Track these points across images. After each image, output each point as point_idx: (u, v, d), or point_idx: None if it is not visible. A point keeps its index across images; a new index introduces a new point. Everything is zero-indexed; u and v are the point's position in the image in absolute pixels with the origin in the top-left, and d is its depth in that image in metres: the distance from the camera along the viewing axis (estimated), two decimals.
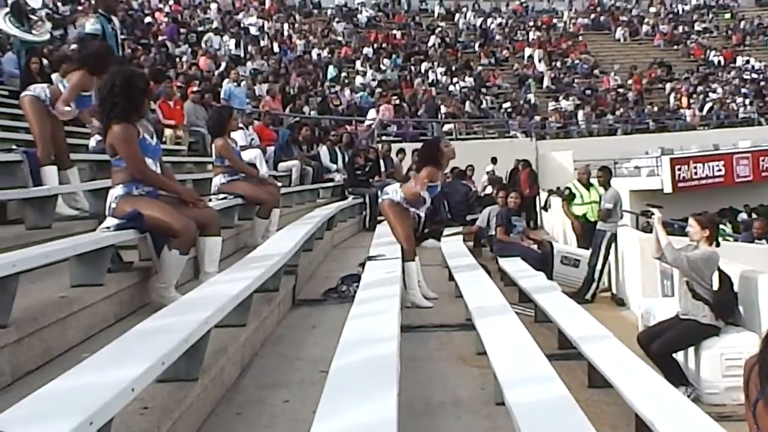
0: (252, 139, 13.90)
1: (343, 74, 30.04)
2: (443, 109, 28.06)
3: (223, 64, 23.97)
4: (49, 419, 2.26)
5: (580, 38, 40.45)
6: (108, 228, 5.09)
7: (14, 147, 7.40)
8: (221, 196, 8.10)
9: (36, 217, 6.02)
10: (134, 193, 5.27)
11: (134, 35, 23.34)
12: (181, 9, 31.96)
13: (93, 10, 12.63)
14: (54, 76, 10.34)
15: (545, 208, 19.39)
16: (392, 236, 8.02)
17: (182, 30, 28.13)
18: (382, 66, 32.41)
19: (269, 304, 5.79)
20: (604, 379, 5.21)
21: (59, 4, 23.84)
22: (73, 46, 11.06)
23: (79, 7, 23.64)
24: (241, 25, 31.88)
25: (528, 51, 37.55)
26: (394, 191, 7.77)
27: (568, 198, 13.71)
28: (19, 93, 11.44)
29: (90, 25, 9.79)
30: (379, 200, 7.96)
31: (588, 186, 13.80)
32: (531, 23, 41.38)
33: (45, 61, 12.30)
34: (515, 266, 10.08)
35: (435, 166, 7.63)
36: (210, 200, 7.33)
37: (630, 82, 35.79)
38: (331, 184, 15.63)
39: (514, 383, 4.12)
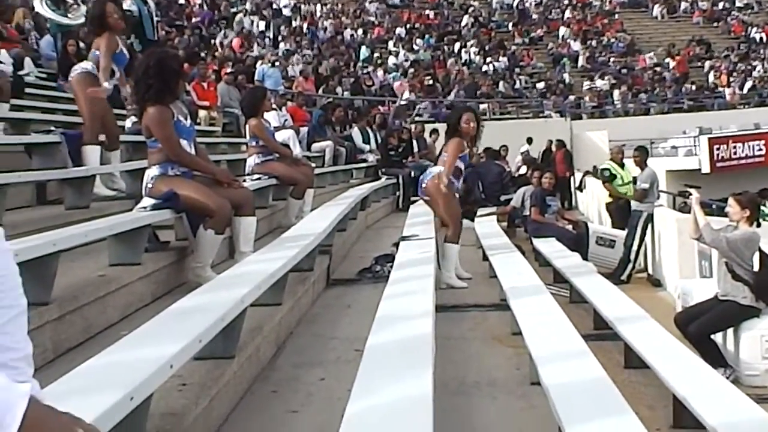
0: (285, 120, 13.95)
1: (376, 55, 29.96)
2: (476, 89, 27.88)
3: (256, 46, 24.02)
4: (91, 394, 2.30)
5: (616, 16, 39.86)
6: (144, 208, 5.16)
7: (53, 128, 7.50)
8: (255, 176, 8.13)
9: (74, 197, 6.11)
10: (170, 174, 5.32)
11: (168, 17, 23.45)
12: None
13: None
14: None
15: (580, 188, 19.25)
16: (427, 216, 8.02)
17: (215, 12, 28.23)
18: (414, 46, 32.29)
19: (304, 284, 5.82)
20: (640, 360, 5.17)
21: None
22: None
23: None
24: (274, 6, 31.90)
25: (563, 30, 37.15)
26: (438, 171, 7.74)
27: (609, 179, 13.57)
28: (57, 75, 11.68)
29: (126, 5, 9.87)
30: (424, 183, 7.88)
31: (622, 166, 13.68)
32: (566, 2, 40.86)
33: (82, 44, 12.41)
34: (550, 247, 10.03)
35: (458, 137, 7.62)
36: (244, 180, 7.37)
37: (668, 60, 35.26)
38: (364, 164, 15.63)
39: (549, 363, 4.11)
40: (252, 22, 28.50)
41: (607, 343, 6.02)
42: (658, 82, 33.07)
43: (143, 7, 9.67)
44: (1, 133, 7.88)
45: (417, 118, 22.10)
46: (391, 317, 4.13)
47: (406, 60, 30.07)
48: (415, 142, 16.48)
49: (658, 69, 34.39)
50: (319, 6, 34.56)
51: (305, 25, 30.76)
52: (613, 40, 36.86)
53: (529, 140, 21.85)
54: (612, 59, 35.22)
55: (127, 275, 4.52)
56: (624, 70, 33.93)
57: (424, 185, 7.83)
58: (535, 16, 38.88)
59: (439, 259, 7.34)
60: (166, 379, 2.71)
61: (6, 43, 12.18)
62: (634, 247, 12.00)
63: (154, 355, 2.71)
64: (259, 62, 19.65)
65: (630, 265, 12.00)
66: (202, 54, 18.73)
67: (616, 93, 31.41)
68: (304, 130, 14.80)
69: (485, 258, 8.76)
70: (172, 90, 5.31)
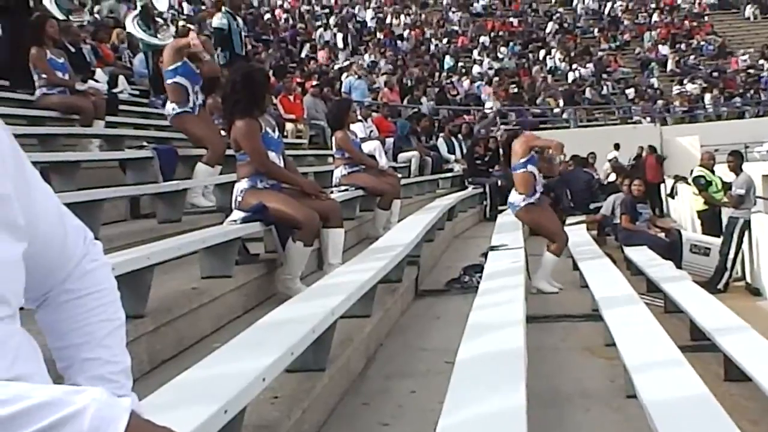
0: (371, 131, 13.99)
1: (460, 64, 29.89)
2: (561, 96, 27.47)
3: (342, 57, 24.24)
4: (186, 407, 2.31)
5: (706, 18, 38.84)
6: (234, 221, 5.22)
7: (145, 144, 7.69)
8: (342, 187, 8.17)
9: (167, 211, 6.23)
10: (258, 187, 5.38)
11: (255, 32, 23.87)
12: (299, 4, 32.48)
13: (216, 8, 12.98)
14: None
15: (671, 195, 18.78)
16: (515, 225, 7.93)
17: (300, 26, 28.63)
18: (499, 54, 32.09)
19: (393, 295, 5.81)
20: (741, 372, 4.97)
21: (184, 4, 24.60)
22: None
23: (203, 7, 24.35)
24: (358, 18, 32.16)
25: (650, 34, 36.37)
26: (515, 198, 7.60)
27: (705, 187, 13.18)
28: (149, 92, 12.00)
29: (217, 20, 10.09)
30: (514, 211, 7.75)
31: (712, 172, 13.30)
32: (653, 5, 40.02)
33: None
34: (642, 255, 9.80)
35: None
36: (331, 192, 7.41)
37: (762, 62, 34.11)
38: (450, 174, 15.57)
39: (645, 375, 3.98)
40: (335, 34, 28.79)
41: (705, 355, 5.80)
42: (752, 84, 32.01)
43: (233, 22, 9.85)
44: (97, 149, 8.12)
45: (503, 127, 21.93)
46: (481, 328, 4.08)
47: (491, 68, 29.90)
48: (501, 151, 16.33)
49: (751, 71, 33.30)
50: (402, 17, 34.68)
51: (389, 37, 30.88)
52: (702, 42, 35.90)
53: (617, 146, 21.42)
54: (702, 62, 34.32)
55: (218, 287, 4.58)
56: (715, 74, 32.96)
57: (516, 212, 7.70)
58: (622, 21, 38.19)
59: (529, 267, 7.23)
60: (259, 391, 2.71)
61: (101, 62, 12.57)
62: (731, 255, 11.63)
63: (246, 367, 2.72)
64: (345, 74, 19.79)
65: (727, 274, 11.63)
66: (289, 67, 19.01)
67: (707, 97, 30.54)
68: (390, 140, 14.84)
69: (575, 267, 8.59)
70: (259, 103, 5.38)
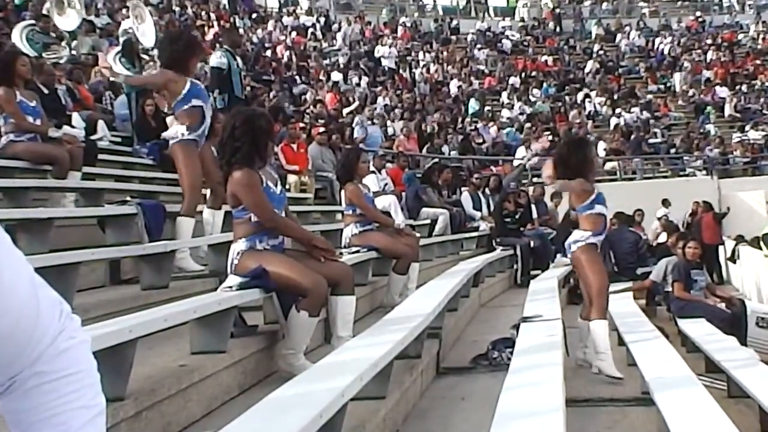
0: (385, 184, 14.08)
1: (487, 108, 30.11)
2: (602, 144, 27.56)
3: (352, 101, 24.48)
4: None
5: None
6: (230, 287, 5.22)
7: (128, 198, 7.74)
8: (353, 248, 8.19)
9: (152, 275, 6.25)
10: (258, 248, 5.40)
11: (254, 71, 24.15)
12: (305, 40, 32.92)
13: (211, 46, 13.17)
14: (169, 119, 10.85)
15: (732, 259, 18.71)
16: (551, 293, 7.88)
17: (305, 64, 28.98)
18: (531, 97, 32.33)
19: (411, 373, 5.77)
20: None
21: None
22: None
23: None
24: (373, 55, 32.54)
25: (706, 74, 36.59)
26: (579, 235, 7.53)
27: None
28: (132, 139, 12.12)
29: (216, 58, 10.23)
30: (572, 248, 7.66)
31: None
32: (709, 41, 40.35)
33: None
34: (699, 329, 9.72)
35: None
36: (341, 254, 7.42)
37: None
38: (475, 233, 15.58)
39: None
40: (346, 75, 29.13)
41: None
42: None
43: (232, 61, 9.99)
44: (73, 204, 8.18)
45: (536, 180, 21.99)
46: (513, 413, 4.05)
47: (522, 113, 30.10)
48: (534, 207, 16.37)
49: None
50: (422, 54, 35.07)
51: (406, 77, 31.19)
52: (767, 83, 36.07)
53: (665, 202, 21.42)
54: (767, 106, 34.41)
55: (211, 364, 4.57)
56: None
57: (572, 251, 7.55)
58: (672, 60, 38.44)
59: (567, 342, 7.16)
60: None
61: (78, 105, 12.69)
62: None
63: None
64: (356, 120, 20.01)
65: None
66: (290, 111, 19.20)
67: None
68: (406, 193, 14.90)
69: (621, 342, 8.54)
70: (261, 153, 5.42)
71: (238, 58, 10.65)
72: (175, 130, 7.36)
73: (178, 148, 7.28)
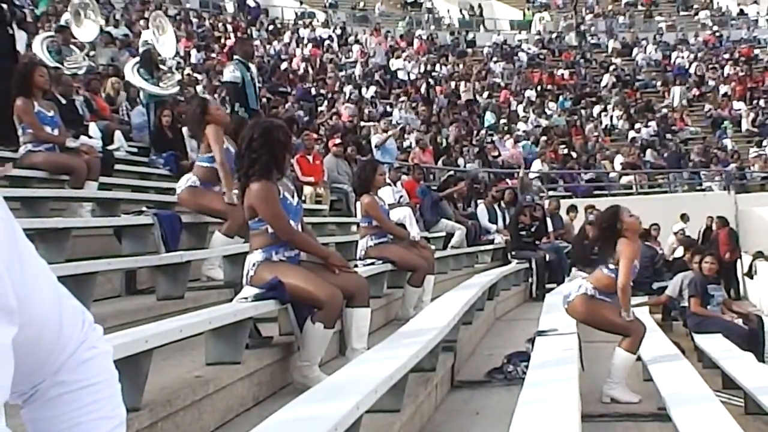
0: (401, 197, 14.06)
1: (503, 121, 30.10)
2: (619, 158, 27.50)
3: (368, 112, 24.52)
4: None
5: None
6: (246, 298, 5.22)
7: (144, 209, 7.76)
8: (368, 261, 8.18)
9: (168, 286, 6.26)
10: (274, 259, 5.40)
11: (270, 83, 24.24)
12: (321, 52, 33.03)
13: (228, 57, 13.20)
14: (185, 130, 10.89)
15: (749, 274, 18.60)
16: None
17: (321, 76, 29.06)
18: (547, 110, 32.30)
19: (425, 386, 5.75)
20: None
21: (192, 51, 25.12)
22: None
23: (212, 54, 24.84)
24: (389, 68, 32.60)
25: (723, 88, 36.48)
26: (578, 287, 7.38)
27: None
28: (149, 150, 12.18)
29: (229, 72, 10.22)
30: (569, 299, 7.40)
31: None
32: (726, 56, 40.26)
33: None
34: (716, 345, 9.66)
35: (627, 238, 7.27)
36: (356, 266, 7.42)
37: None
38: (491, 246, 15.56)
39: None
40: (361, 87, 29.19)
41: None
42: None
43: (246, 73, 9.98)
44: (89, 214, 8.21)
45: (551, 193, 21.96)
46: (528, 427, 4.03)
47: (537, 126, 30.07)
48: (549, 221, 16.33)
49: None
50: (438, 66, 35.10)
51: (423, 89, 31.21)
52: None
53: (684, 217, 21.32)
54: None
55: (226, 376, 4.57)
56: None
57: (569, 301, 7.35)
58: (690, 74, 38.35)
59: (582, 356, 7.12)
60: None
61: (95, 116, 12.76)
62: None
63: None
64: (372, 131, 20.01)
65: None
66: (306, 122, 19.26)
67: None
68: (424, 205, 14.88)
69: (637, 358, 8.50)
70: (279, 164, 5.43)
71: (253, 69, 10.62)
72: (185, 180, 7.79)
73: (187, 198, 7.80)
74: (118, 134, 12.49)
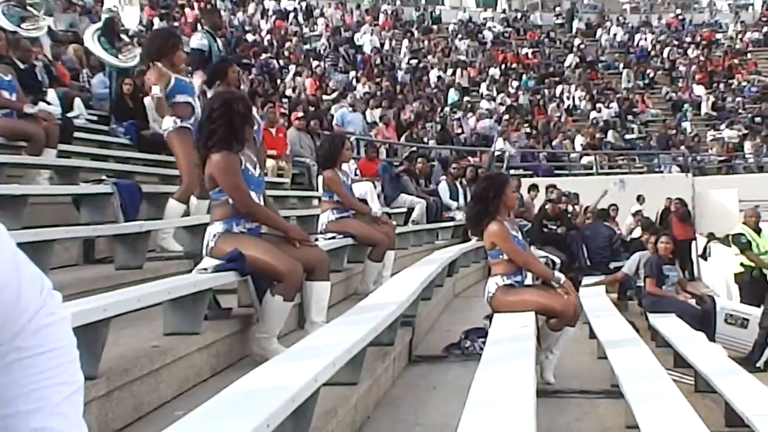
0: (356, 171, 14.07)
1: (467, 98, 30.13)
2: (580, 139, 27.65)
3: (332, 87, 24.43)
4: None
5: (749, 56, 39.32)
6: (205, 269, 5.20)
7: (104, 178, 7.69)
8: (329, 235, 8.18)
9: (126, 255, 6.22)
10: (234, 231, 5.38)
11: (235, 55, 24.05)
12: (285, 24, 32.81)
13: (192, 27, 13.04)
14: (147, 100, 10.77)
15: (704, 256, 18.82)
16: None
17: (286, 48, 28.90)
18: (510, 89, 32.38)
19: (383, 360, 5.78)
20: None
21: (155, 20, 24.83)
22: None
23: (175, 24, 24.58)
24: (354, 42, 32.48)
25: (684, 72, 36.77)
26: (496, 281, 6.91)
27: (747, 246, 13.22)
28: (109, 118, 12.04)
29: (196, 40, 10.12)
30: (489, 294, 6.97)
31: (758, 231, 13.36)
32: (688, 39, 40.56)
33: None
34: (670, 324, 9.80)
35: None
36: (316, 240, 7.41)
37: None
38: (451, 223, 15.59)
39: None
40: (326, 60, 29.08)
41: None
42: None
43: (213, 44, 9.90)
44: (47, 182, 8.12)
45: (513, 172, 22.03)
46: (484, 402, 4.06)
47: (501, 104, 30.14)
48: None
49: None
50: (405, 42, 35.02)
51: (386, 65, 31.14)
52: (744, 83, 36.27)
53: (640, 199, 21.50)
54: (743, 106, 34.62)
55: (183, 346, 4.56)
56: (757, 119, 33.25)
57: (490, 296, 6.94)
58: (651, 56, 38.60)
59: (540, 334, 7.17)
60: None
61: (55, 82, 12.57)
62: None
63: None
64: (337, 105, 19.95)
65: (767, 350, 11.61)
66: (271, 95, 19.13)
67: (747, 145, 30.74)
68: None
69: (592, 335, 8.59)
70: (239, 135, 5.39)
71: (219, 41, 10.53)
72: (168, 121, 7.43)
73: (173, 136, 7.41)
74: (78, 102, 12.31)
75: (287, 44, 29.66)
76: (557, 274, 6.96)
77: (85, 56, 14.63)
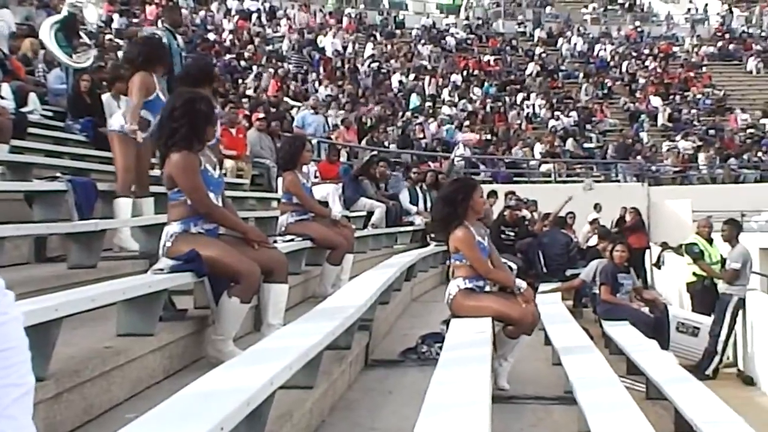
0: (315, 173, 14.03)
1: (428, 104, 30.18)
2: (539, 147, 27.81)
3: (293, 88, 24.36)
4: None
5: (704, 69, 39.84)
6: (161, 270, 5.13)
7: (59, 175, 7.57)
8: (288, 237, 8.13)
9: (80, 254, 6.13)
10: (192, 231, 5.31)
11: (196, 53, 23.91)
12: (249, 25, 32.67)
13: (152, 24, 12.90)
14: (104, 97, 10.64)
15: (657, 265, 19.00)
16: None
17: (248, 49, 28.77)
18: (472, 96, 32.48)
19: (340, 364, 5.76)
20: None
21: (115, 15, 24.62)
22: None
23: (134, 20, 24.39)
24: (317, 44, 32.41)
25: (641, 83, 37.14)
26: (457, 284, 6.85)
27: (699, 256, 13.35)
28: (65, 114, 11.87)
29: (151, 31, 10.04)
30: (450, 297, 6.90)
31: (710, 242, 13.51)
32: (646, 51, 41.00)
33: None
34: (623, 332, 9.86)
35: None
36: (275, 242, 7.36)
37: (764, 121, 34.92)
38: (410, 228, 15.58)
39: None
40: (288, 62, 28.99)
41: None
42: (751, 145, 32.69)
43: (173, 41, 9.79)
44: None
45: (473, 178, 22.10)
46: (439, 407, 4.04)
47: (462, 110, 30.23)
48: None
49: (752, 130, 34.07)
50: (368, 45, 35.00)
51: (349, 68, 31.11)
52: (699, 96, 36.74)
53: (597, 207, 21.67)
54: (698, 118, 35.05)
55: (137, 347, 4.50)
56: (711, 131, 33.68)
57: (450, 299, 6.86)
58: (611, 67, 38.95)
59: (496, 339, 7.15)
60: None
61: (9, 76, 12.32)
62: (722, 337, 11.76)
63: None
64: (300, 108, 19.89)
65: (717, 358, 11.75)
66: (232, 95, 19.04)
67: (701, 156, 31.09)
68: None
69: (547, 342, 8.62)
70: (200, 135, 5.33)
71: (179, 38, 10.42)
72: (118, 120, 7.36)
73: (119, 138, 7.39)
74: (32, 96, 12.12)
75: (249, 45, 29.53)
76: (519, 281, 6.94)
77: (41, 50, 14.38)
